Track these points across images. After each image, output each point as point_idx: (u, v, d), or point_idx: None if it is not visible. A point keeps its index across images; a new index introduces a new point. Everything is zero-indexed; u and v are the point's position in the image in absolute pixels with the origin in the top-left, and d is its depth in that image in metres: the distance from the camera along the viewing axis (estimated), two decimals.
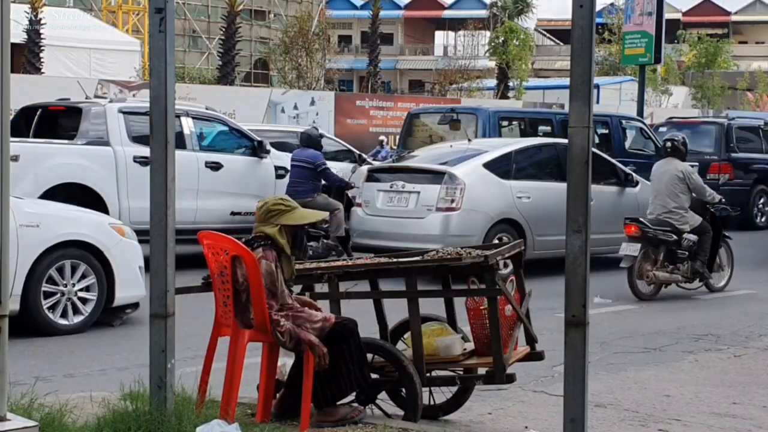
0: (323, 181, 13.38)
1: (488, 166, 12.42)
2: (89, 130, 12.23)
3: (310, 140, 13.53)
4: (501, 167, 12.52)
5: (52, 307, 8.50)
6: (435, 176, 12.16)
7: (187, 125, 12.94)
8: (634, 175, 14.03)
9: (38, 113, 13.17)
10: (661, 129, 19.79)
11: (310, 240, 12.85)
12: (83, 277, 8.67)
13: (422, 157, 13.32)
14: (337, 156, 17.24)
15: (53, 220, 8.65)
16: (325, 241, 13.08)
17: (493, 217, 12.19)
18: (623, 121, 18.52)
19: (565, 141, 14.75)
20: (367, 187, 12.83)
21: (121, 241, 8.94)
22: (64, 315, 8.57)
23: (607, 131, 17.83)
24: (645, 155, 17.74)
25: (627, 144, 18.24)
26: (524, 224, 12.41)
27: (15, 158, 10.67)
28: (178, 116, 12.40)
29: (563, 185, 12.06)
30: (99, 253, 8.73)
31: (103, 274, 8.71)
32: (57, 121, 13.21)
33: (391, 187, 12.42)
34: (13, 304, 7.93)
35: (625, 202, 13.58)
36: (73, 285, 8.62)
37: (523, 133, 17.09)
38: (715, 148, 19.24)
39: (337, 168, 15.76)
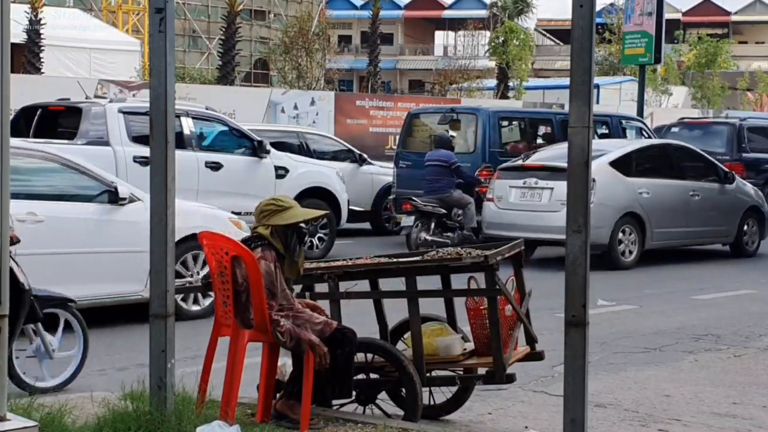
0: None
1: (613, 164, 13.80)
2: (89, 130, 12.21)
3: (442, 141, 14.70)
4: (624, 165, 13.91)
5: (183, 298, 9.17)
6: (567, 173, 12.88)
7: (187, 125, 12.92)
8: (733, 172, 15.23)
9: (38, 113, 13.16)
10: (674, 129, 19.89)
11: (446, 231, 14.12)
12: (203, 264, 9.20)
13: (546, 156, 14.30)
14: (338, 156, 17.28)
15: (183, 215, 8.69)
16: (461, 231, 14.16)
17: (620, 210, 13.59)
18: (623, 121, 18.57)
19: (676, 142, 15.08)
20: (498, 184, 14.11)
21: (240, 234, 9.08)
22: (195, 302, 9.35)
23: (607, 131, 17.87)
24: None
25: None
26: (645, 218, 13.83)
27: None
28: (178, 116, 12.34)
29: (676, 182, 13.18)
30: None
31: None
32: (57, 121, 13.20)
33: (524, 183, 13.71)
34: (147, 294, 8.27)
35: (725, 198, 14.98)
36: (198, 273, 9.32)
37: (523, 134, 17.10)
38: (727, 148, 19.31)
39: (338, 167, 15.86)
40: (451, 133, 15.29)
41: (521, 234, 11.91)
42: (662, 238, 14.18)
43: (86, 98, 16.71)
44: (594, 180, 12.85)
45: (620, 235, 13.60)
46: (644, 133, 18.79)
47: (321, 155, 16.80)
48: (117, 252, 8.78)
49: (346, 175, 16.62)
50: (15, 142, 9.58)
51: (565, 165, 14.81)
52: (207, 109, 13.98)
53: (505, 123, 16.61)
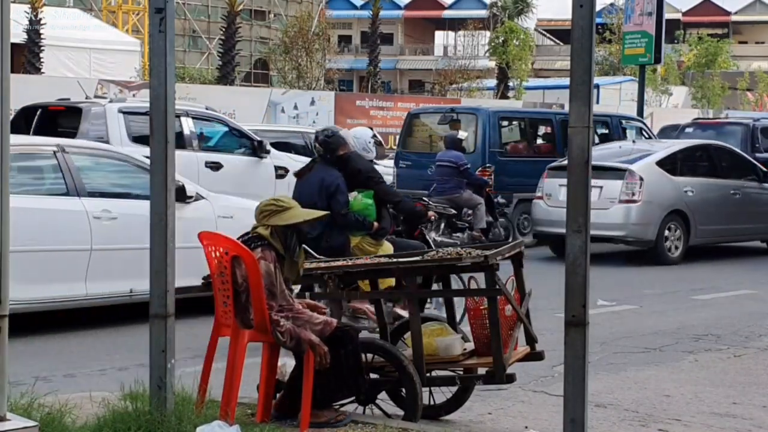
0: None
1: (660, 163, 14.43)
2: (89, 130, 12.22)
3: (453, 142, 14.70)
4: (669, 165, 14.52)
5: None
6: (616, 173, 13.96)
7: (187, 125, 12.93)
8: None
9: (38, 113, 13.17)
10: (687, 129, 19.99)
11: (456, 231, 13.99)
12: None
13: (594, 156, 14.16)
14: None
15: (243, 212, 9.17)
16: (470, 232, 14.19)
17: (666, 208, 14.16)
18: (623, 121, 18.61)
19: (717, 143, 15.34)
20: (548, 183, 14.62)
21: None
22: None
23: (607, 131, 17.93)
24: None
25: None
26: (690, 215, 14.40)
27: None
28: (178, 116, 12.41)
29: (718, 181, 14.07)
30: None
31: None
32: (57, 121, 13.21)
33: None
34: None
35: (764, 196, 15.47)
36: None
37: (523, 134, 17.12)
38: (741, 148, 19.39)
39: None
40: (462, 134, 15.33)
41: None
42: (705, 235, 14.76)
43: (86, 98, 16.72)
44: (642, 179, 13.86)
45: (666, 232, 14.22)
46: (644, 133, 18.81)
47: None
48: (183, 248, 8.81)
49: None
50: (91, 143, 10.19)
51: (612, 164, 15.61)
52: (207, 109, 13.99)
53: (505, 123, 16.63)
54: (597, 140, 17.60)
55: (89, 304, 8.69)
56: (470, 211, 14.50)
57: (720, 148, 15.74)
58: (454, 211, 14.13)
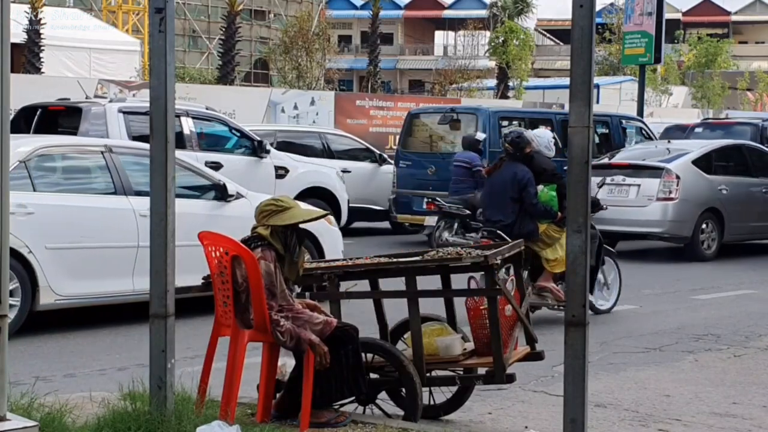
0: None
1: (695, 162, 14.89)
2: (89, 130, 12.21)
3: (471, 144, 14.90)
4: (704, 164, 14.99)
5: None
6: (653, 171, 14.55)
7: (187, 125, 12.93)
8: None
9: (38, 113, 13.16)
10: (697, 129, 20.11)
11: (469, 231, 14.04)
12: None
13: (632, 156, 15.61)
14: (358, 155, 17.55)
15: None
16: (484, 232, 13.96)
17: (702, 206, 14.63)
18: (623, 121, 18.65)
19: (750, 143, 15.43)
20: None
21: (330, 228, 10.28)
22: None
23: (607, 131, 17.98)
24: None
25: (626, 143, 18.33)
26: (724, 213, 14.90)
27: None
28: (178, 116, 12.44)
29: (750, 180, 14.67)
30: (314, 238, 9.95)
31: (315, 255, 9.93)
32: (57, 121, 13.21)
33: (611, 180, 14.48)
34: None
35: None
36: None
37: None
38: None
39: (358, 167, 16.06)
40: (480, 135, 15.41)
41: (610, 228, 13.46)
42: (738, 232, 15.28)
43: (86, 98, 16.71)
44: (678, 177, 14.37)
45: (702, 228, 14.72)
46: (644, 132, 18.84)
47: (341, 155, 17.07)
48: None
49: (366, 174, 17.02)
50: (137, 144, 10.42)
51: (650, 163, 15.96)
52: (207, 108, 13.99)
53: (505, 123, 16.64)
54: (597, 140, 17.70)
55: (135, 299, 8.76)
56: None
57: (753, 148, 16.18)
58: (468, 212, 14.28)
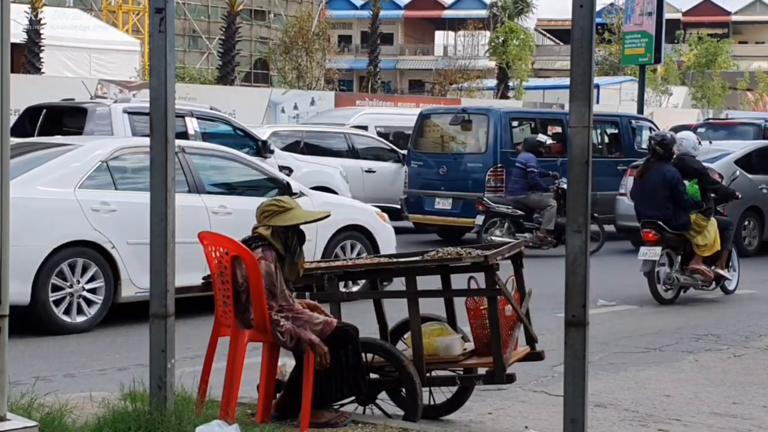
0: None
1: (737, 162, 15.30)
2: (94, 130, 12.25)
3: (531, 145, 15.14)
4: (746, 163, 15.46)
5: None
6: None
7: (192, 125, 12.97)
8: None
9: (43, 113, 13.18)
10: (699, 130, 20.21)
11: (523, 231, 14.58)
12: (358, 253, 10.40)
13: None
14: (382, 155, 17.75)
15: (340, 208, 10.48)
16: (537, 233, 14.61)
17: (744, 204, 14.64)
18: (633, 121, 18.74)
19: None
20: (631, 180, 14.79)
21: (384, 225, 10.85)
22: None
23: (617, 131, 18.12)
24: None
25: (636, 143, 18.47)
26: (765, 211, 15.49)
27: None
28: (182, 116, 12.62)
29: None
30: (370, 234, 10.61)
31: (371, 251, 10.38)
32: (62, 121, 13.21)
33: None
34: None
35: None
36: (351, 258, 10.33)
37: (534, 134, 17.19)
38: None
39: (382, 167, 16.57)
40: (542, 137, 15.67)
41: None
42: None
43: (91, 98, 16.73)
44: (722, 177, 14.19)
45: (744, 225, 15.16)
46: (652, 132, 18.92)
47: (366, 155, 17.34)
48: None
49: (390, 174, 17.25)
50: (208, 144, 11.07)
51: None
52: (211, 109, 14.01)
53: (515, 123, 16.73)
54: (606, 140, 17.94)
55: (208, 293, 8.93)
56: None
57: None
58: (520, 212, 14.50)
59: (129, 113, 12.40)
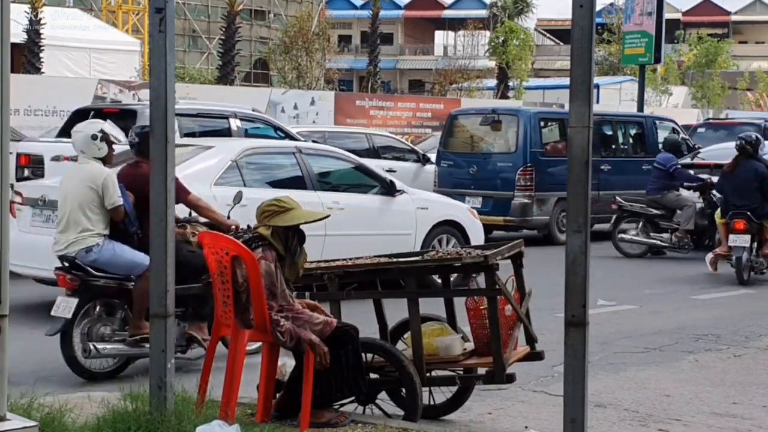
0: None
1: None
2: None
3: (671, 145, 15.40)
4: None
5: None
6: None
7: (235, 125, 13.34)
8: None
9: (91, 115, 13.43)
10: (699, 130, 20.23)
11: (660, 232, 14.70)
12: (453, 245, 10.92)
13: (713, 155, 16.12)
14: (403, 156, 18.32)
15: (436, 205, 11.50)
16: (676, 234, 14.72)
17: None
18: (656, 122, 19.02)
19: None
20: None
21: (474, 220, 11.65)
22: None
23: (641, 131, 18.40)
24: None
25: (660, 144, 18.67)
26: None
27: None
28: (226, 117, 13.29)
29: None
30: (462, 229, 11.39)
31: (464, 244, 11.00)
32: None
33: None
34: None
35: None
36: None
37: (563, 134, 17.33)
38: None
39: (403, 167, 16.90)
40: (678, 136, 15.85)
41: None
42: None
43: (138, 101, 17.14)
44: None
45: None
46: (676, 132, 19.09)
47: (386, 155, 17.88)
48: (392, 234, 10.69)
49: (410, 174, 17.69)
50: (320, 145, 12.13)
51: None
52: (253, 110, 14.45)
53: (544, 124, 16.87)
54: (631, 140, 18.32)
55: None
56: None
57: None
58: (656, 212, 14.63)
59: (176, 115, 12.70)
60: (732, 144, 17.03)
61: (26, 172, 11.63)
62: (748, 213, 12.29)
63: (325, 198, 10.16)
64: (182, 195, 7.43)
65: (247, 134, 13.48)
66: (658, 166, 14.99)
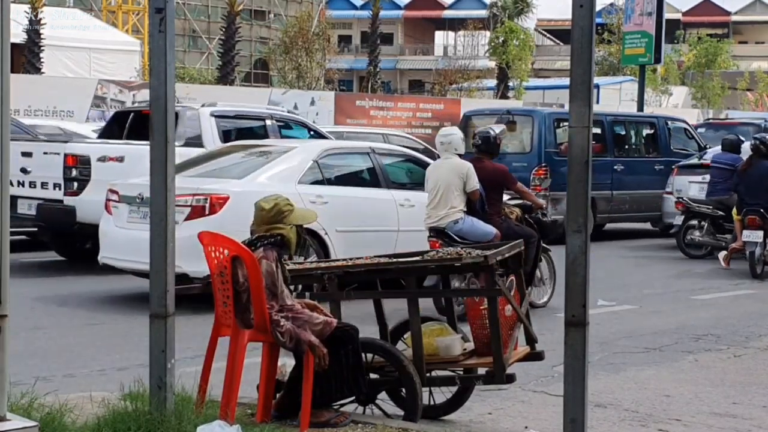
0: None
1: None
2: (185, 132, 12.69)
3: (731, 145, 15.21)
4: None
5: None
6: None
7: (272, 127, 13.54)
8: None
9: (131, 117, 13.61)
10: (699, 130, 20.28)
11: (724, 233, 14.64)
12: None
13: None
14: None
15: None
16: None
17: None
18: (668, 122, 19.07)
19: None
20: (678, 180, 16.20)
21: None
22: None
23: (653, 132, 18.52)
24: (688, 154, 18.38)
25: (672, 144, 18.73)
26: None
27: (120, 159, 11.95)
28: (263, 119, 13.57)
29: None
30: None
31: None
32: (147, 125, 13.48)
33: (702, 179, 15.50)
34: None
35: None
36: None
37: None
38: None
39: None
40: (741, 137, 15.68)
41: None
42: None
43: (178, 102, 17.40)
44: None
45: None
46: (688, 133, 19.18)
47: None
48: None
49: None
50: (391, 147, 12.92)
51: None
52: (289, 112, 14.77)
53: (558, 124, 16.94)
54: (643, 141, 18.50)
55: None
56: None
57: None
58: (721, 213, 14.57)
59: (215, 116, 13.01)
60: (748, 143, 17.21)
61: (74, 173, 11.78)
62: (761, 210, 12.88)
63: (398, 196, 10.78)
64: (512, 185, 10.13)
65: (281, 135, 13.67)
66: (723, 167, 14.81)
